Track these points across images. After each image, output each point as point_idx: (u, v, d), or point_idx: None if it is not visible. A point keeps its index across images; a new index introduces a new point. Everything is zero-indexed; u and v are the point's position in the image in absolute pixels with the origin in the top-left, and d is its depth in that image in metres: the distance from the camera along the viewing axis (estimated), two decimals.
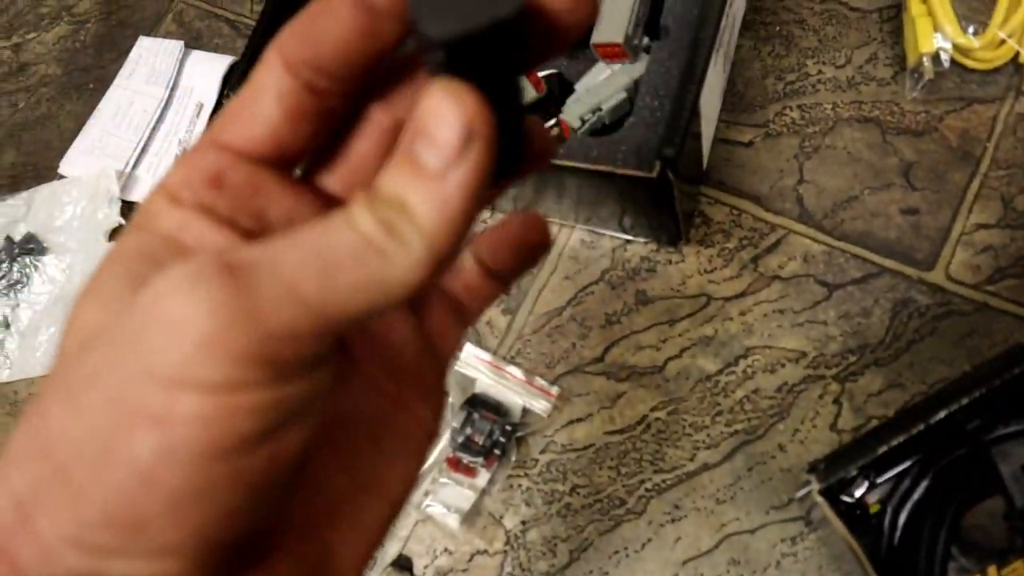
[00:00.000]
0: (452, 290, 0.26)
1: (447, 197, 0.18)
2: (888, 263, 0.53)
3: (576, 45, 0.60)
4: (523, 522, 0.54)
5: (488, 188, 0.19)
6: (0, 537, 0.17)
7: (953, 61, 0.53)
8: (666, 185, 0.47)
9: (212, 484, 0.17)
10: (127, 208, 0.72)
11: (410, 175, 0.18)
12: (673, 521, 0.51)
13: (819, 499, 0.43)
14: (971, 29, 0.52)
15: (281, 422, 0.17)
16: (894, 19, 0.58)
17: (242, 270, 0.17)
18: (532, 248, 0.25)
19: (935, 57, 0.53)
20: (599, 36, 0.53)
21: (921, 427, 0.41)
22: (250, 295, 0.17)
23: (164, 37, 0.79)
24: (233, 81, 0.57)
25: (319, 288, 0.17)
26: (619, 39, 0.52)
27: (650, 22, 0.53)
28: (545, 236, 0.26)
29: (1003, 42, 0.53)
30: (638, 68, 0.54)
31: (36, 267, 0.72)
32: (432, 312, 0.25)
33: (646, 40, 0.54)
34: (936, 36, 0.53)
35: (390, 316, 0.24)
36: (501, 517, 0.54)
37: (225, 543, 0.18)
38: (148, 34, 0.80)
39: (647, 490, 0.52)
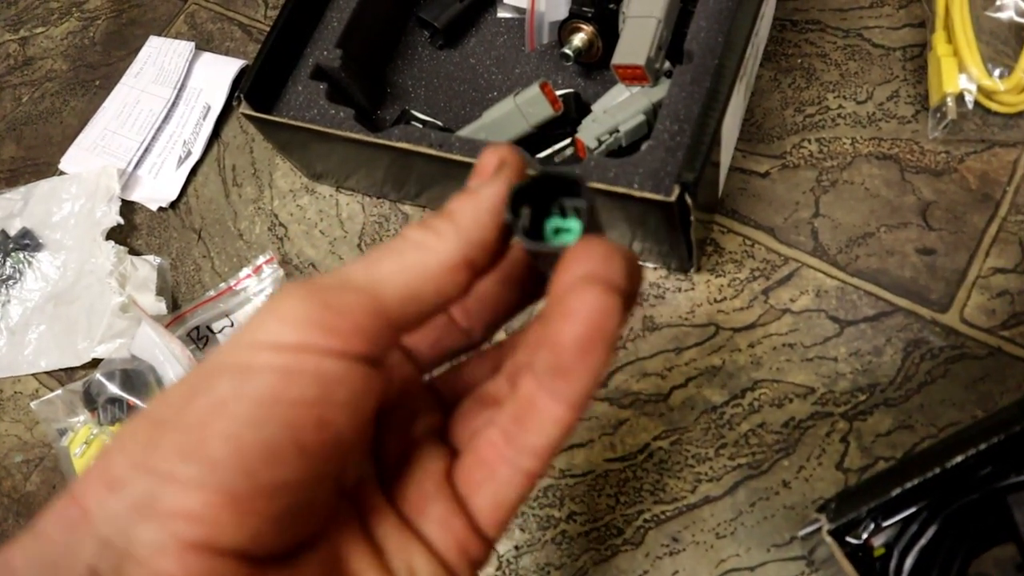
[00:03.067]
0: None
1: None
2: (902, 302, 0.52)
3: (595, 65, 0.59)
4: (516, 547, 0.52)
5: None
6: (78, 487, 0.21)
7: (976, 103, 0.53)
8: (683, 210, 0.46)
9: (268, 422, 0.21)
10: (126, 208, 0.71)
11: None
12: (671, 554, 0.50)
13: (828, 540, 0.42)
14: (997, 72, 0.52)
15: (330, 395, 0.22)
16: (918, 57, 0.58)
17: (314, 278, 0.23)
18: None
19: (959, 98, 0.52)
20: (620, 57, 0.52)
21: (936, 471, 0.40)
22: (315, 284, 0.23)
23: (175, 38, 0.79)
24: (242, 85, 0.56)
25: (365, 273, 0.23)
26: (640, 61, 0.51)
27: (672, 46, 0.53)
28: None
29: None
30: (657, 92, 0.54)
31: (30, 263, 0.71)
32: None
33: (667, 64, 0.53)
34: (961, 77, 0.52)
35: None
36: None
37: (266, 498, 0.21)
38: (159, 34, 0.79)
39: (646, 520, 0.51)
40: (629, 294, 0.24)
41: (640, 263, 0.27)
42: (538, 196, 0.25)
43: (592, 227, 0.24)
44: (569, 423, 0.23)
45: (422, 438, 0.28)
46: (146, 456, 0.20)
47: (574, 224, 0.25)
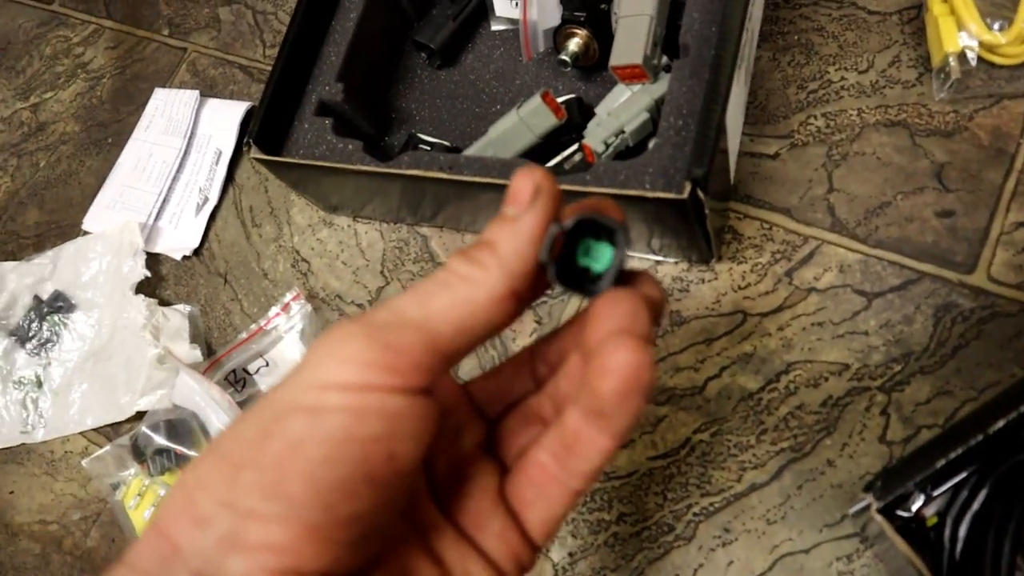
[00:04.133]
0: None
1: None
2: (927, 268, 0.52)
3: (593, 68, 0.60)
4: (570, 554, 0.53)
5: None
6: (164, 523, 0.23)
7: (979, 58, 0.52)
8: (697, 205, 0.46)
9: (341, 460, 0.22)
10: (152, 260, 0.72)
11: None
12: (724, 545, 0.50)
13: (878, 518, 0.42)
14: (996, 25, 0.51)
15: (396, 430, 0.23)
16: (915, 20, 0.58)
17: (366, 315, 0.24)
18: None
19: (961, 56, 0.52)
20: (617, 58, 0.52)
21: (980, 436, 0.40)
22: (371, 323, 0.24)
23: (179, 87, 0.80)
24: (250, 130, 0.57)
25: (418, 310, 0.24)
26: (638, 60, 0.51)
27: (668, 41, 0.53)
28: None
29: None
30: (658, 88, 0.54)
31: (65, 324, 0.72)
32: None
33: (665, 59, 0.54)
34: (961, 35, 0.52)
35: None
36: (548, 550, 0.53)
37: (343, 528, 0.22)
38: (163, 85, 0.81)
39: (695, 514, 0.51)
40: (656, 319, 0.26)
41: (662, 290, 0.28)
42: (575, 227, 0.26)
43: (622, 253, 0.26)
44: (613, 450, 0.26)
45: (471, 452, 0.30)
46: (228, 494, 0.22)
47: (605, 252, 0.27)
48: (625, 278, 0.27)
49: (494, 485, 0.29)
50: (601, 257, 0.27)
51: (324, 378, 0.23)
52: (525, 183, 0.26)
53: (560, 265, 0.26)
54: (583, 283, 0.26)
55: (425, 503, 0.28)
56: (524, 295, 0.26)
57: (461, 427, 0.30)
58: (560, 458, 0.27)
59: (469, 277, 0.25)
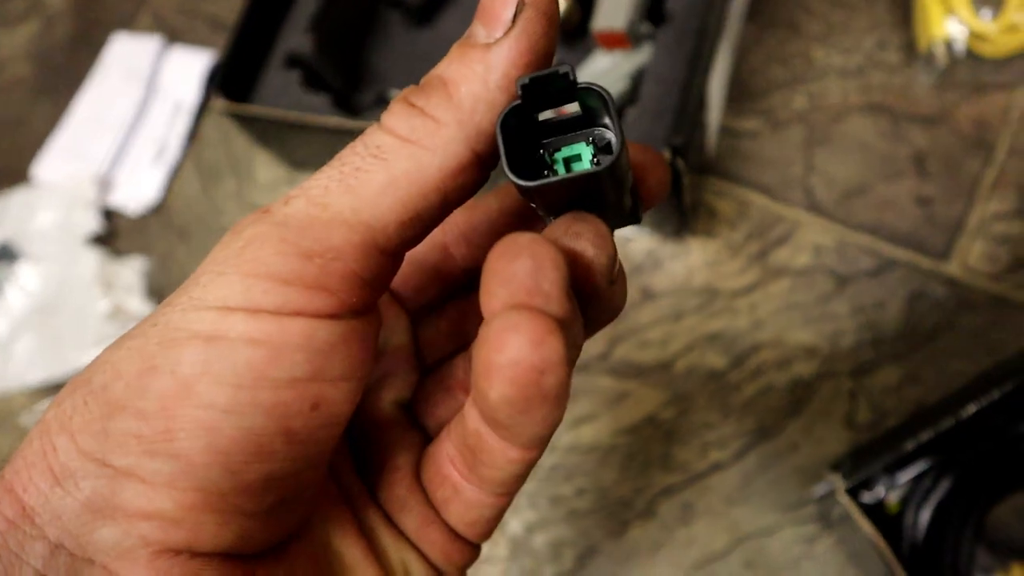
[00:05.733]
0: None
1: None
2: (902, 254, 0.52)
3: (574, 33, 0.58)
4: (528, 527, 0.52)
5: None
6: (13, 477, 0.17)
7: (967, 47, 0.52)
8: (675, 175, 0.45)
9: (250, 409, 0.16)
10: (106, 212, 0.69)
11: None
12: (685, 524, 0.50)
13: (844, 498, 0.41)
14: (986, 14, 0.51)
15: (325, 369, 0.17)
16: (904, 4, 0.57)
17: (277, 208, 0.17)
18: None
19: (948, 43, 0.51)
20: (600, 23, 0.51)
21: (948, 423, 0.40)
22: (286, 223, 0.17)
23: (140, 33, 0.77)
24: (215, 78, 0.54)
25: (347, 197, 0.17)
26: (621, 25, 0.50)
27: (653, 8, 0.52)
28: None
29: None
30: (639, 56, 0.52)
31: (10, 276, 0.69)
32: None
33: (648, 27, 0.52)
34: (949, 21, 0.51)
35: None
36: (505, 522, 0.52)
37: (252, 495, 0.17)
38: (124, 31, 0.77)
39: (656, 492, 0.51)
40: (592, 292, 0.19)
41: (609, 246, 0.19)
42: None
43: (617, 174, 0.18)
44: (529, 460, 0.19)
45: (389, 413, 0.24)
46: (100, 446, 0.17)
47: (584, 154, 0.19)
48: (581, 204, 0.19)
49: (409, 464, 0.23)
50: (572, 159, 0.19)
51: (227, 298, 0.17)
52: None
53: (517, 129, 0.18)
54: (528, 171, 0.18)
55: (348, 468, 0.23)
56: (493, 158, 0.19)
57: (387, 374, 0.24)
58: (467, 460, 0.20)
59: (416, 139, 0.18)
